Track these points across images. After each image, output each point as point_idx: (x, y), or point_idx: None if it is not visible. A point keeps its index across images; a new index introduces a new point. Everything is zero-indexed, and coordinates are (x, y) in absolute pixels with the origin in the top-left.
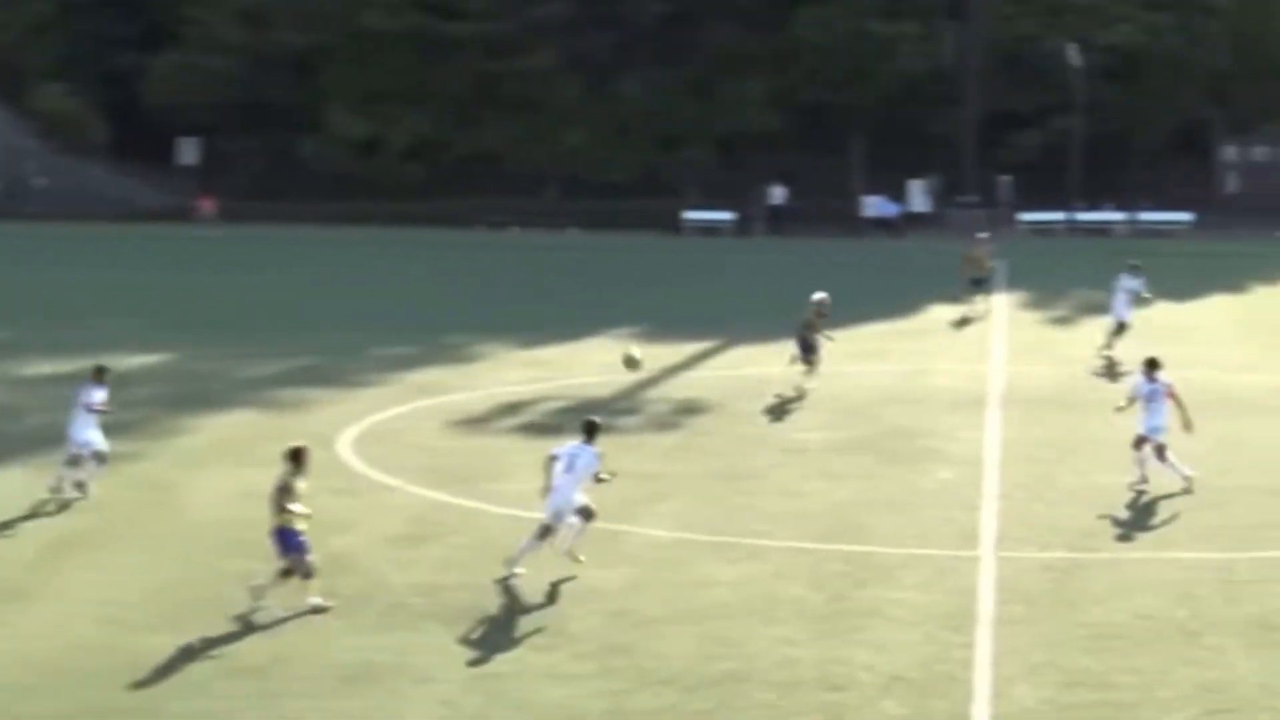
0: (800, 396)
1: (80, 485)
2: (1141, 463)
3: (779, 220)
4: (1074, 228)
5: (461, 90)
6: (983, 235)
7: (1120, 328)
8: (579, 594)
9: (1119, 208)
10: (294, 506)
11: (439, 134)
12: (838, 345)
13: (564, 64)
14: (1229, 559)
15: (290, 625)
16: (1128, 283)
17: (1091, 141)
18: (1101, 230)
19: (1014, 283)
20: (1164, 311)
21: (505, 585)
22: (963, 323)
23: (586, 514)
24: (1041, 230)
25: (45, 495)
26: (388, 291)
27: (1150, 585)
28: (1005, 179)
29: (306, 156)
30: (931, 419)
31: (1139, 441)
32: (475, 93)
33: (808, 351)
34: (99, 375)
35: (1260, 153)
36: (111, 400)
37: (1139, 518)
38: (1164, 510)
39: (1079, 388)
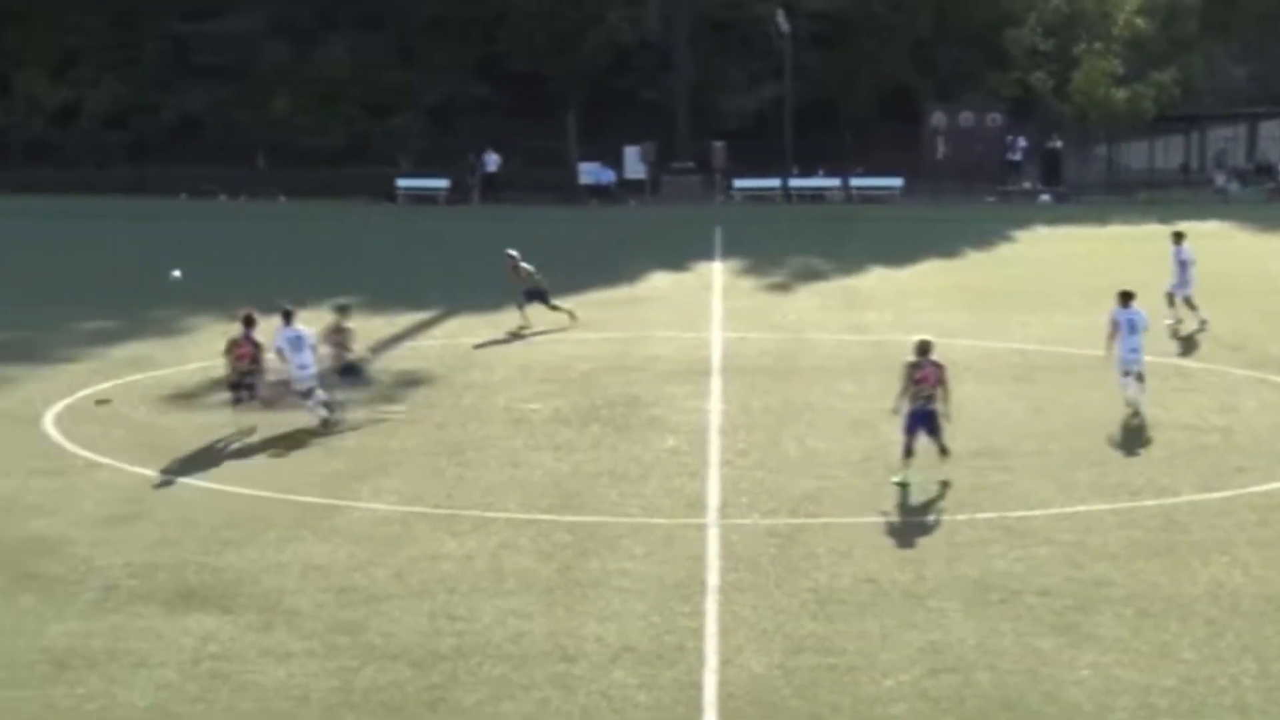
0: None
1: None
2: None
3: (494, 188)
4: (788, 194)
5: (160, 54)
6: (511, 252)
7: (1186, 300)
8: (300, 571)
9: (831, 173)
10: None
11: (139, 99)
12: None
13: (267, 28)
14: (950, 521)
15: None
16: (1181, 255)
17: (803, 108)
18: (816, 196)
19: (730, 250)
20: (879, 277)
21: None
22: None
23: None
24: (756, 197)
25: None
26: (89, 263)
27: (873, 549)
28: (719, 145)
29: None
30: (654, 387)
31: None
32: (175, 57)
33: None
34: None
35: (965, 118)
36: None
37: (858, 482)
38: (882, 474)
39: (796, 355)
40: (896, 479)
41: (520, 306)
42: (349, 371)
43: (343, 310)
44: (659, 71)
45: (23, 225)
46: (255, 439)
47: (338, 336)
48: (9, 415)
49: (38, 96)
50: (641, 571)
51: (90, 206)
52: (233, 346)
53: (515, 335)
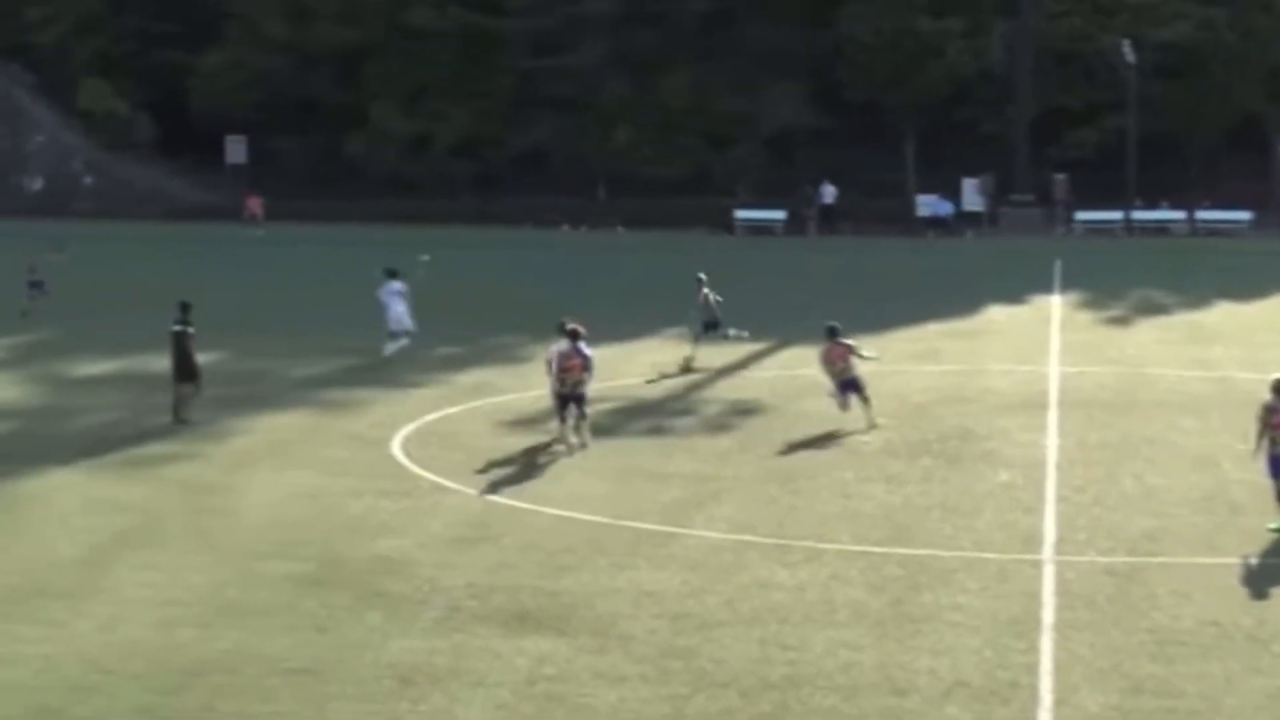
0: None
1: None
2: None
3: (831, 219)
4: (1131, 227)
5: (507, 87)
6: (701, 276)
7: None
8: (634, 597)
9: (1176, 206)
10: None
11: (486, 131)
12: (894, 345)
13: (609, 61)
14: None
15: (342, 627)
16: None
17: (1147, 139)
18: (1160, 229)
19: (1070, 283)
20: (1225, 312)
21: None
22: (685, 370)
23: None
24: (1098, 230)
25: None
26: (437, 291)
27: (1214, 591)
28: (1060, 177)
29: (354, 154)
30: (988, 420)
31: None
32: (521, 90)
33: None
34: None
35: None
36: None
37: (1199, 521)
38: (1225, 514)
39: (1136, 389)
40: (1272, 526)
41: (695, 337)
42: (852, 386)
43: (833, 331)
44: (999, 103)
45: (376, 254)
46: (591, 462)
47: (843, 350)
48: (360, 438)
49: (391, 128)
50: (975, 606)
51: (440, 236)
52: (562, 360)
53: (687, 369)
